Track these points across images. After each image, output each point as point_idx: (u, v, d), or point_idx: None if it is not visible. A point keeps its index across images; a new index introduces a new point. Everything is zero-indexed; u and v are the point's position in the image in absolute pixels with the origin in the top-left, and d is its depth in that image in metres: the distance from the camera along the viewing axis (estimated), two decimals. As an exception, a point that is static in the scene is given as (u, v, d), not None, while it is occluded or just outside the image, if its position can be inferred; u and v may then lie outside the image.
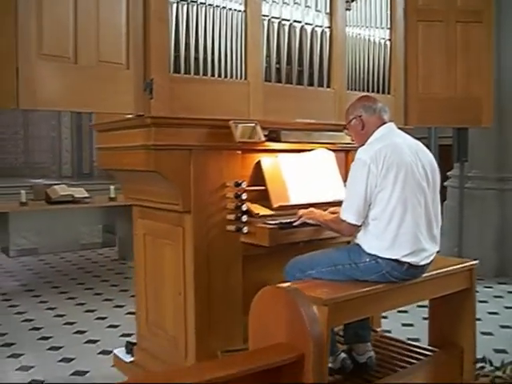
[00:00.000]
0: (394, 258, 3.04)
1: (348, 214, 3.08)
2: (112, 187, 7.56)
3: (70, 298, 6.20)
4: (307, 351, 2.06)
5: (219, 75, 3.48)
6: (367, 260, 3.09)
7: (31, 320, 5.40)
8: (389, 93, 4.45)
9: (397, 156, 3.05)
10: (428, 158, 3.24)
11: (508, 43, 6.66)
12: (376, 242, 3.07)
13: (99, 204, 7.54)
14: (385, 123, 3.24)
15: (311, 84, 3.97)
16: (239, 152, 3.53)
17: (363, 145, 3.20)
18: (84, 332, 5.05)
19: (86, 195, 7.37)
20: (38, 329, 5.14)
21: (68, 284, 6.87)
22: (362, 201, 3.03)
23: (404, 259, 3.05)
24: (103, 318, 5.45)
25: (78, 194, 7.29)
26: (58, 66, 2.86)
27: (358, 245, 3.16)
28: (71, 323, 5.31)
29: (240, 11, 3.56)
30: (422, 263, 3.14)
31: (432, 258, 3.21)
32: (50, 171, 15.70)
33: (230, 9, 3.51)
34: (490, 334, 4.84)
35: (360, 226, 3.10)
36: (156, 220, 3.70)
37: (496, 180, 7.01)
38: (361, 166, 3.04)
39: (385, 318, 4.75)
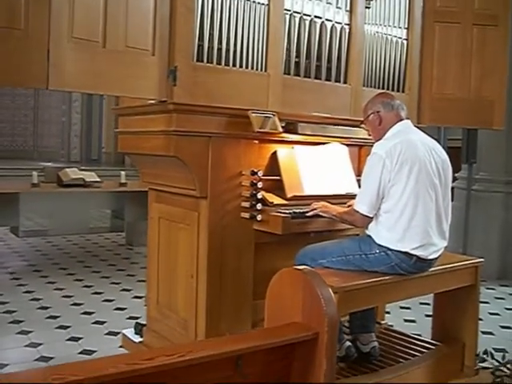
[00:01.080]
0: (403, 250, 3.14)
1: (361, 206, 3.18)
2: (123, 173, 7.64)
3: (77, 280, 6.30)
4: (322, 330, 2.14)
5: (240, 66, 3.56)
6: (377, 251, 3.19)
7: (39, 299, 5.50)
8: (403, 91, 4.52)
9: (411, 152, 3.15)
10: (442, 156, 3.33)
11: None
12: (387, 233, 3.16)
13: (110, 189, 7.60)
14: (402, 120, 3.34)
15: (329, 79, 4.04)
16: (256, 141, 3.62)
17: (380, 140, 3.30)
18: (91, 313, 5.14)
19: (97, 179, 7.43)
20: (46, 308, 5.23)
21: (75, 266, 6.96)
22: (376, 194, 3.13)
23: (413, 252, 3.15)
24: (110, 301, 5.54)
25: (89, 178, 7.35)
26: (87, 49, 2.96)
27: (369, 236, 3.26)
28: (79, 304, 5.40)
29: (263, 4, 3.64)
30: (431, 257, 3.24)
31: (440, 252, 3.31)
32: (59, 155, 15.83)
33: (254, 1, 3.59)
34: (490, 333, 4.93)
35: (372, 217, 3.20)
36: (172, 204, 3.79)
37: (503, 183, 7.07)
38: (376, 160, 3.14)
39: (387, 313, 4.85)
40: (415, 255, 3.16)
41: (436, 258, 3.31)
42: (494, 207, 7.08)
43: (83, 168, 9.71)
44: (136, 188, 7.08)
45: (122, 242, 8.59)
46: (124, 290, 5.96)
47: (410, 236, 3.14)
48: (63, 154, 15.81)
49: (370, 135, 3.50)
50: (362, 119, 3.54)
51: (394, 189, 3.12)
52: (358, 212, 3.20)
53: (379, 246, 3.18)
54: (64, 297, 5.65)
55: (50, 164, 12.78)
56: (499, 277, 6.88)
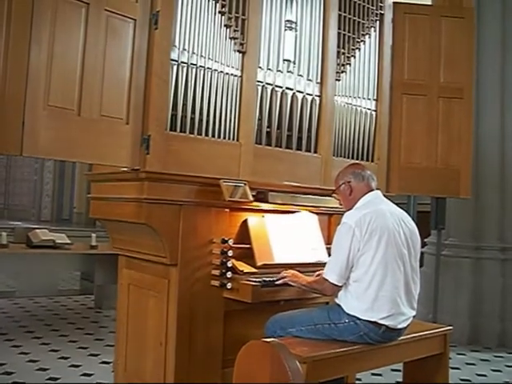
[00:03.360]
0: (372, 320, 3.17)
1: (331, 274, 3.23)
2: (93, 235, 7.59)
3: (43, 344, 6.13)
4: (290, 404, 2.14)
5: (213, 135, 3.63)
6: (346, 321, 3.21)
7: (3, 364, 5.32)
8: (372, 160, 4.64)
9: (380, 222, 3.22)
10: (411, 226, 3.40)
11: (486, 114, 6.94)
12: (356, 303, 3.19)
13: (80, 251, 7.54)
14: (372, 190, 3.43)
15: (299, 148, 4.13)
16: (227, 210, 3.65)
17: (350, 209, 3.36)
18: (57, 379, 4.98)
19: (67, 241, 7.37)
20: (9, 373, 5.05)
21: (42, 329, 6.78)
22: (345, 263, 3.18)
23: (382, 322, 3.17)
24: (77, 366, 5.40)
25: (59, 240, 7.29)
26: (62, 117, 2.99)
27: (338, 305, 3.28)
28: (44, 369, 5.24)
29: (236, 76, 3.75)
30: (399, 327, 3.26)
31: (409, 322, 3.34)
32: (29, 214, 15.69)
33: (227, 73, 3.70)
34: (461, 401, 4.90)
35: (341, 286, 3.24)
36: (142, 271, 3.78)
37: (472, 249, 7.14)
38: (346, 229, 3.20)
39: (359, 379, 4.80)
40: (384, 325, 3.18)
41: (405, 328, 3.33)
42: (463, 272, 7.13)
43: (54, 228, 9.65)
44: (107, 250, 7.03)
45: (90, 305, 8.43)
46: (92, 354, 5.83)
47: (379, 306, 3.17)
48: (34, 213, 15.69)
49: (341, 204, 3.57)
50: (332, 188, 3.62)
51: (363, 258, 3.17)
52: (327, 281, 3.24)
53: (348, 315, 3.20)
54: (29, 361, 5.48)
55: (19, 223, 12.65)
56: (469, 342, 6.87)
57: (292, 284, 3.49)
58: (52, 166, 15.40)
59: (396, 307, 3.21)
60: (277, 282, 3.51)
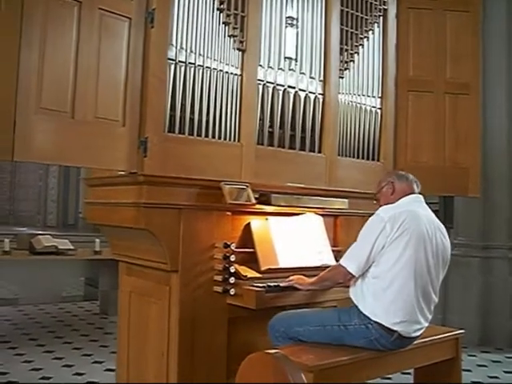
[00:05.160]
0: (384, 324, 3.06)
1: (349, 262, 3.16)
2: (97, 240, 7.50)
3: (47, 352, 6.05)
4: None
5: (213, 136, 3.53)
6: (357, 323, 3.12)
7: (6, 373, 5.25)
8: (378, 160, 4.53)
9: (414, 224, 3.13)
10: (445, 240, 3.33)
11: (494, 111, 6.83)
12: (372, 300, 3.10)
13: (83, 257, 7.46)
14: (413, 193, 3.35)
15: (303, 149, 4.03)
16: (229, 213, 3.55)
17: None
18: (61, 388, 4.94)
19: (71, 247, 7.30)
20: (12, 383, 4.99)
21: (46, 337, 6.72)
22: (367, 255, 3.10)
23: (395, 327, 3.07)
24: (81, 374, 5.32)
25: (62, 246, 7.21)
26: (55, 120, 2.91)
27: (349, 308, 3.21)
28: (48, 377, 5.17)
29: (236, 75, 3.65)
30: (412, 335, 3.17)
31: (421, 331, 3.24)
32: (35, 220, 15.66)
33: (227, 72, 3.60)
34: (474, 404, 4.80)
35: (355, 276, 3.17)
36: (142, 278, 3.67)
37: (480, 248, 7.05)
38: (377, 221, 3.13)
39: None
40: (396, 331, 3.08)
41: (417, 337, 3.24)
42: (471, 272, 7.05)
43: (58, 234, 9.58)
44: (110, 256, 6.93)
45: (96, 311, 8.37)
46: (96, 362, 5.74)
47: (395, 309, 3.07)
48: (39, 219, 15.66)
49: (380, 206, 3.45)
50: (338, 189, 3.65)
51: (388, 256, 3.08)
52: (343, 267, 3.17)
53: (360, 316, 3.12)
54: (32, 370, 5.41)
55: (25, 229, 12.60)
56: (480, 343, 6.77)
57: (298, 287, 3.42)
58: (57, 171, 15.37)
59: (412, 314, 3.12)
60: (282, 285, 3.43)
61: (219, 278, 3.41)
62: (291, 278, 3.46)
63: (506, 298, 6.89)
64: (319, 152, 4.13)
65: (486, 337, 6.87)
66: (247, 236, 3.62)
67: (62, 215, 15.56)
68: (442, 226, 3.37)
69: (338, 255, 3.92)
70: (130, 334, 3.79)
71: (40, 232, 9.31)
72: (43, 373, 5.31)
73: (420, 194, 3.41)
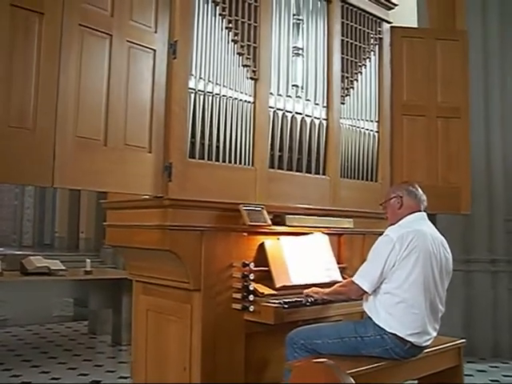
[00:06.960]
0: (399, 334, 3.27)
1: (363, 280, 3.34)
2: (88, 260, 7.54)
3: (43, 372, 6.06)
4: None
5: (229, 161, 3.70)
6: (373, 334, 3.32)
7: (6, 395, 5.29)
8: (376, 180, 4.76)
9: (421, 242, 3.34)
10: (448, 254, 3.56)
11: (473, 133, 7.04)
12: (386, 314, 3.30)
13: (75, 277, 7.47)
14: (419, 211, 3.54)
15: (309, 171, 4.23)
16: (245, 234, 3.72)
17: (393, 224, 3.48)
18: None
19: (62, 267, 7.30)
20: (16, 404, 5.05)
21: (40, 358, 6.70)
22: (379, 273, 3.29)
23: (408, 338, 3.28)
24: (82, 393, 5.38)
25: (53, 266, 7.21)
26: (90, 147, 3.04)
27: (364, 320, 3.42)
28: (50, 398, 5.21)
29: (250, 102, 3.84)
30: (424, 344, 3.38)
31: (431, 341, 3.46)
32: (10, 240, 15.47)
33: (241, 100, 3.78)
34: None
35: (368, 293, 3.35)
36: (161, 297, 3.80)
37: (462, 261, 7.24)
38: (387, 242, 3.32)
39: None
40: (409, 341, 3.29)
41: (427, 346, 3.45)
42: (454, 285, 7.18)
43: (36, 253, 9.50)
44: (101, 276, 7.01)
45: (83, 331, 8.35)
46: (94, 381, 5.78)
47: (409, 322, 3.28)
48: (15, 239, 15.48)
49: (386, 218, 3.67)
50: (341, 209, 3.85)
51: (398, 273, 3.28)
52: (357, 285, 3.35)
53: (375, 328, 3.30)
54: (33, 391, 5.44)
55: (2, 249, 12.48)
56: (464, 354, 6.90)
57: (315, 296, 3.61)
58: (33, 190, 15.25)
59: (423, 326, 3.33)
60: (305, 292, 3.65)
61: (238, 295, 3.57)
62: (306, 290, 3.66)
63: (488, 310, 7.10)
64: (324, 174, 4.34)
65: (469, 347, 7.04)
66: (261, 255, 3.78)
67: (37, 235, 15.43)
68: (445, 240, 3.60)
69: (343, 271, 4.14)
70: (148, 351, 3.90)
71: (18, 252, 9.26)
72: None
73: (424, 210, 3.61)
